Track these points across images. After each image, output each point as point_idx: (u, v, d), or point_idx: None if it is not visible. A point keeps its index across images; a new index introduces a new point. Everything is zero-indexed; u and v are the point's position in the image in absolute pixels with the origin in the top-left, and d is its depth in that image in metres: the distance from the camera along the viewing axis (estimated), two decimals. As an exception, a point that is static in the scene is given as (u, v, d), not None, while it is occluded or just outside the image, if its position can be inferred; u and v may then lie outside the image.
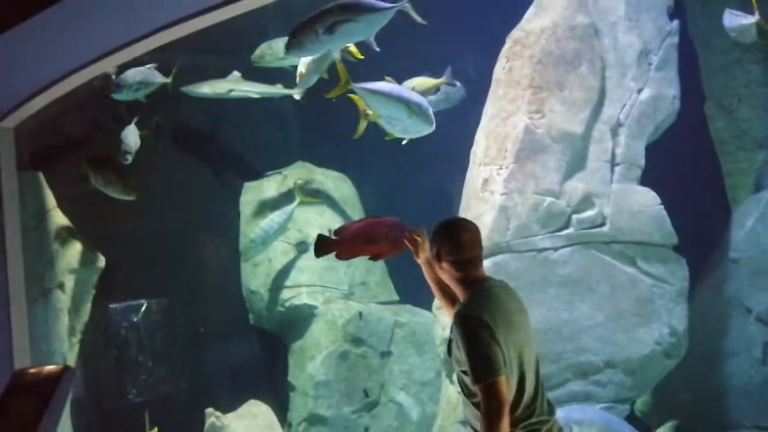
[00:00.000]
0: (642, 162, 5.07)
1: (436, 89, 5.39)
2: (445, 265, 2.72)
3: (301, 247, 6.58)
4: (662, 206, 4.95)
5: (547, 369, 4.65)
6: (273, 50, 5.49)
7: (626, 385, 4.74)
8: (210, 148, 7.05)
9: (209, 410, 5.25)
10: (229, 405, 5.58)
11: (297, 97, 5.85)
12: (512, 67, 5.08)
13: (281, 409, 6.22)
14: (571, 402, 4.66)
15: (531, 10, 5.25)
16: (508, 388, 2.48)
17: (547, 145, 4.87)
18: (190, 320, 6.35)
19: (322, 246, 3.17)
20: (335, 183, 7.06)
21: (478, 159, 5.08)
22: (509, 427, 2.50)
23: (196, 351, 6.37)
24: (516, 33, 5.19)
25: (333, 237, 3.18)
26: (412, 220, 3.16)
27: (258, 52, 5.61)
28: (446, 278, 2.77)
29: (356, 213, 7.03)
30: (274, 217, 6.12)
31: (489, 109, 5.16)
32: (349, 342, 6.17)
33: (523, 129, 4.88)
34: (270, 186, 6.91)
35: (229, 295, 6.52)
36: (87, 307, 5.66)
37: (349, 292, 6.57)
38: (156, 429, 5.03)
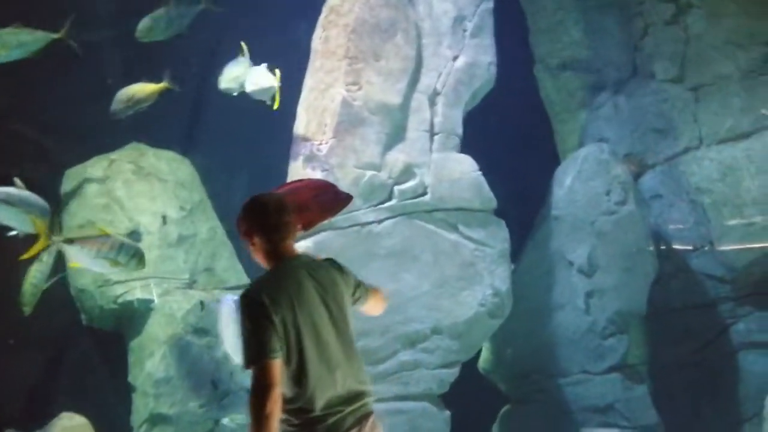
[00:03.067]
0: (460, 130, 5.13)
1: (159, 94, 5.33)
2: (256, 239, 2.58)
3: (132, 236, 6.12)
4: (480, 173, 5.06)
5: (375, 342, 4.68)
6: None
7: (453, 349, 4.86)
8: (24, 131, 6.34)
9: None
10: (51, 417, 5.13)
11: None
12: (328, 36, 4.92)
13: (125, 413, 5.85)
14: (401, 372, 4.71)
15: (347, -23, 5.10)
16: (283, 373, 2.38)
17: (366, 117, 4.79)
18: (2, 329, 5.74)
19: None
20: (170, 165, 6.59)
21: (299, 134, 4.91)
22: (287, 415, 2.41)
23: (7, 363, 5.79)
24: (331, 1, 5.01)
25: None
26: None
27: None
28: (259, 258, 2.63)
29: (195, 195, 6.64)
30: (44, 259, 5.50)
31: (308, 82, 5.00)
32: (190, 334, 5.87)
33: (340, 102, 4.76)
34: (95, 171, 6.33)
35: (55, 295, 5.95)
36: None
37: (191, 280, 6.23)
38: None
